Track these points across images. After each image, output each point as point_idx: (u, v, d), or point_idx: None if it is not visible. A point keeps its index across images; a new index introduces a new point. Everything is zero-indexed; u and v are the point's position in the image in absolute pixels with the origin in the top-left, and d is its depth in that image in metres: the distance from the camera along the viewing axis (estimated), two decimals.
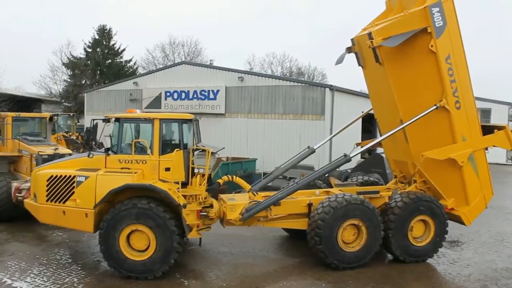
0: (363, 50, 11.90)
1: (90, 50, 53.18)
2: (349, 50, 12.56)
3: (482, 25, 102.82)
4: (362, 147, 12.79)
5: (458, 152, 11.24)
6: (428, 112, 10.99)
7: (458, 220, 12.18)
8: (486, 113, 38.24)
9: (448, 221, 11.97)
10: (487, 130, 11.90)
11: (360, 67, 12.69)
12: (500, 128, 11.87)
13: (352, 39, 12.35)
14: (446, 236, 12.04)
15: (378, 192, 12.15)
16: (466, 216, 12.01)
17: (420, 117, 11.01)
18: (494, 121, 35.79)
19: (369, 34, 10.73)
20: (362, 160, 23.45)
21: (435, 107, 11.01)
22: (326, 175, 16.16)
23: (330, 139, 15.59)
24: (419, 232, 11.78)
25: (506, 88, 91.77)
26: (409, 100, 11.34)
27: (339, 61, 12.58)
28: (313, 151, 13.79)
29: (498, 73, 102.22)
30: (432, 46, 10.70)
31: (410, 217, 11.52)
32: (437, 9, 10.63)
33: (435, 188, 11.96)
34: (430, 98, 11.13)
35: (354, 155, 11.60)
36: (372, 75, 12.49)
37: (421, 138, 11.49)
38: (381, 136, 12.56)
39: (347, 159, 11.38)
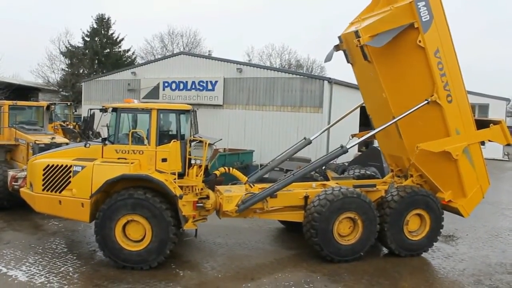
0: (351, 48, 11.72)
1: (88, 39, 52.87)
2: (337, 48, 12.42)
3: (485, 23, 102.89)
4: (359, 138, 12.75)
5: (453, 145, 11.22)
6: (419, 107, 10.91)
7: (457, 212, 12.20)
8: (484, 108, 38.19)
9: (444, 216, 12.01)
10: (483, 124, 11.87)
11: (349, 64, 12.60)
12: (496, 122, 11.85)
13: (339, 37, 12.20)
14: (441, 230, 12.10)
15: (374, 185, 12.15)
16: (464, 208, 12.00)
17: (411, 112, 10.93)
18: (492, 116, 35.79)
19: (356, 32, 10.55)
20: (359, 153, 23.44)
21: (426, 101, 10.91)
22: (323, 167, 16.18)
23: (327, 129, 15.56)
24: (414, 226, 11.82)
25: (504, 84, 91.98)
26: (400, 96, 11.24)
27: (328, 58, 12.55)
28: (309, 142, 13.80)
29: (497, 69, 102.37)
30: (420, 41, 10.52)
31: (406, 211, 11.54)
32: (423, 3, 10.41)
33: (432, 182, 11.97)
34: (422, 93, 11.03)
35: (351, 147, 11.55)
36: (362, 72, 12.39)
37: (415, 133, 11.43)
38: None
39: (343, 150, 11.35)
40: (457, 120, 11.32)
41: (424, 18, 10.45)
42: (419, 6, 10.38)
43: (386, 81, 11.17)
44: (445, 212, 12.10)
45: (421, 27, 10.45)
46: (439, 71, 10.86)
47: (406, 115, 11.00)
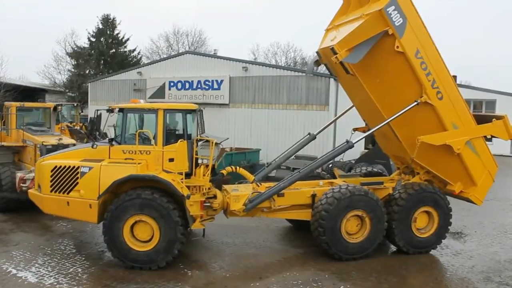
0: (331, 62, 11.39)
1: (94, 39, 52.99)
2: (317, 63, 12.34)
3: (493, 18, 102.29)
4: (363, 132, 12.68)
5: (454, 139, 11.08)
6: (409, 109, 10.74)
7: (470, 201, 12.10)
8: (491, 104, 37.94)
9: (452, 213, 11.99)
10: (486, 120, 11.76)
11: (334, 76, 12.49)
12: (498, 117, 11.73)
13: (317, 52, 12.11)
14: (449, 227, 12.05)
15: (382, 183, 12.13)
16: (476, 196, 11.91)
17: (401, 114, 10.79)
18: (499, 112, 35.44)
19: (332, 49, 10.30)
20: (366, 151, 23.38)
21: (415, 103, 10.73)
22: (330, 165, 16.11)
23: (331, 123, 15.46)
24: (422, 223, 11.79)
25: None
26: (390, 102, 11.09)
27: (309, 71, 12.50)
28: (314, 138, 13.76)
29: (505, 64, 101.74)
30: (398, 47, 10.27)
31: (413, 208, 11.52)
32: (393, 7, 10.02)
33: (439, 176, 11.91)
34: (411, 96, 10.83)
35: (356, 141, 11.39)
36: (347, 83, 12.30)
37: (411, 133, 11.25)
38: (374, 136, 12.40)
39: (349, 145, 11.24)
40: (452, 115, 11.17)
41: (397, 23, 10.14)
42: (389, 12, 10.03)
43: (372, 90, 11.05)
44: (452, 209, 12.07)
45: (396, 33, 10.17)
46: (424, 71, 10.64)
47: (397, 117, 10.87)
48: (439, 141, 11.05)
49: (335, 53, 10.21)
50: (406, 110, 10.80)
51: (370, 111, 12.06)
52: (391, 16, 10.07)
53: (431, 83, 10.79)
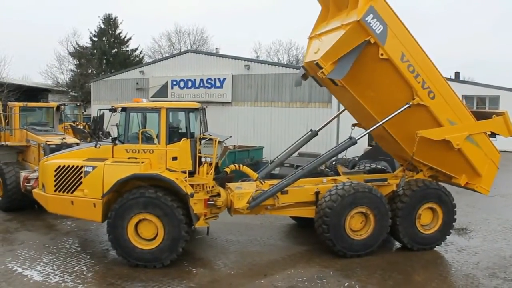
0: (318, 75, 11.13)
1: (96, 39, 53.06)
2: (304, 77, 12.28)
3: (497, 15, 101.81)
4: (366, 129, 12.67)
5: (453, 134, 11.01)
6: (401, 111, 10.67)
7: (476, 191, 12.08)
8: (494, 100, 37.72)
9: (456, 209, 11.97)
10: (487, 116, 11.71)
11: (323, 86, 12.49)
12: (499, 114, 11.69)
13: (303, 66, 12.08)
14: (454, 223, 12.03)
15: (385, 179, 12.10)
16: (482, 187, 11.88)
17: (393, 117, 10.74)
18: (503, 108, 35.21)
19: (317, 64, 10.24)
20: (370, 147, 23.35)
21: (407, 105, 10.65)
22: (333, 162, 16.08)
23: (333, 119, 15.44)
24: (427, 219, 11.76)
25: None
26: (383, 107, 11.02)
27: (297, 84, 12.51)
28: (316, 134, 13.76)
29: (509, 60, 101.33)
30: (382, 54, 10.15)
31: (418, 204, 11.50)
32: (371, 16, 9.82)
33: (443, 171, 11.89)
34: (403, 99, 10.73)
35: (359, 137, 11.34)
36: (337, 93, 12.28)
37: (409, 134, 11.19)
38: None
39: (352, 141, 11.18)
40: (447, 112, 11.08)
41: (378, 30, 9.96)
42: (368, 21, 9.84)
43: (362, 98, 11.00)
44: (457, 205, 12.05)
45: (378, 41, 10.02)
46: (412, 74, 10.52)
47: (389, 119, 10.82)
48: (439, 136, 11.00)
49: (320, 68, 10.17)
50: (398, 113, 10.73)
51: (363, 115, 12.04)
52: (371, 25, 9.90)
53: (421, 84, 10.68)
